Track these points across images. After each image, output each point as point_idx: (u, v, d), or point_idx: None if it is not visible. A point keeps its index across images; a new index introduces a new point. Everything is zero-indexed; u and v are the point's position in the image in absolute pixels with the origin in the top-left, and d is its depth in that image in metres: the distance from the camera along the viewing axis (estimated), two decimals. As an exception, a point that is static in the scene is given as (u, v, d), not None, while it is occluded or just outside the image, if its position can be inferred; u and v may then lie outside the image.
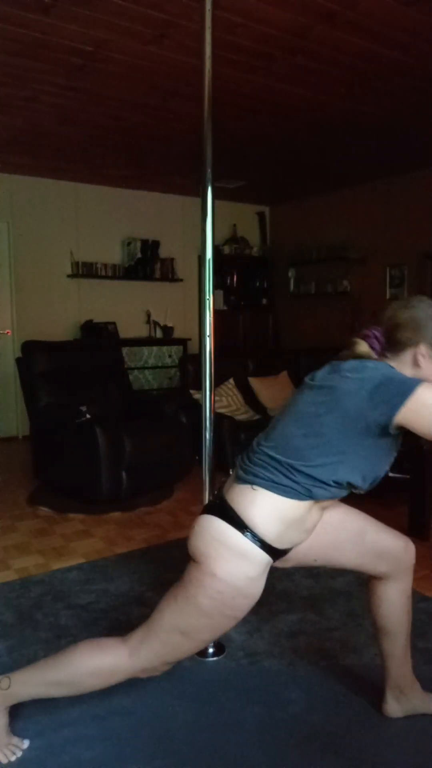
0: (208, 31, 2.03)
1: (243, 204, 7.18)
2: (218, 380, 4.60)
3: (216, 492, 1.57)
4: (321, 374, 1.47)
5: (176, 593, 1.49)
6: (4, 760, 1.61)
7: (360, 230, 6.32)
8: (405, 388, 1.31)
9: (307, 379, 1.50)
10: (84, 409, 3.81)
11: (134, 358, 6.22)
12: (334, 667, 2.03)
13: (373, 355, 1.46)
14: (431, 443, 1.42)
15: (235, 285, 7.13)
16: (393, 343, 1.48)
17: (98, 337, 6.03)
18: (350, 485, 1.44)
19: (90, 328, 6.07)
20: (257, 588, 1.45)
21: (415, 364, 1.45)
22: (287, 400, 1.56)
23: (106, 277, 6.25)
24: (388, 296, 6.13)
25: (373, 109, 4.08)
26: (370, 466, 1.43)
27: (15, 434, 5.99)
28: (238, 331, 7.06)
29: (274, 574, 1.49)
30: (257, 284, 7.27)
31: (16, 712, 1.75)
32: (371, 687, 1.89)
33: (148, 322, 6.66)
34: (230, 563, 1.41)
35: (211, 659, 2.08)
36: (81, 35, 2.97)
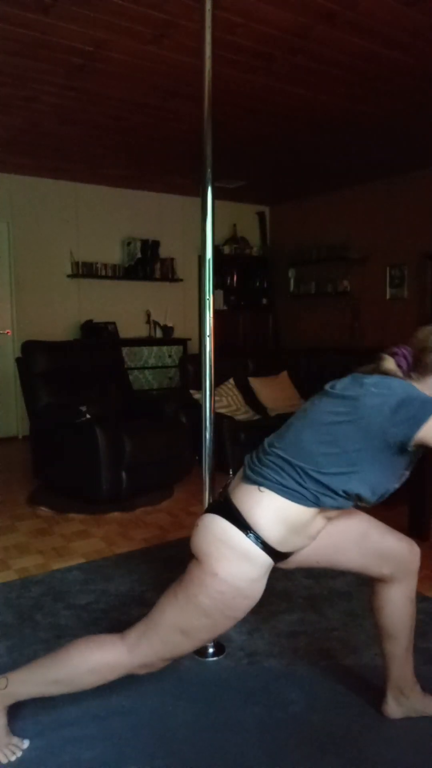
0: (208, 31, 2.03)
1: (243, 204, 7.18)
2: (218, 380, 4.60)
3: (221, 490, 1.56)
4: (342, 384, 1.45)
5: (177, 591, 1.48)
6: (4, 760, 1.61)
7: (360, 230, 6.32)
8: (427, 407, 1.31)
9: (327, 387, 1.48)
10: (84, 409, 3.81)
11: (134, 358, 6.22)
12: (334, 667, 2.03)
13: (399, 373, 1.45)
14: None
15: (235, 285, 7.13)
16: (420, 365, 1.46)
17: (98, 337, 6.03)
18: (358, 497, 1.43)
19: (90, 328, 6.07)
20: (258, 589, 1.45)
21: None
22: (303, 404, 1.54)
23: (106, 277, 6.25)
24: (388, 296, 6.13)
25: (373, 109, 4.08)
26: (381, 481, 1.41)
27: (15, 434, 5.99)
28: (238, 331, 7.06)
29: (274, 573, 1.49)
30: (257, 284, 7.27)
31: (16, 712, 1.75)
32: (371, 687, 1.89)
33: (148, 322, 6.66)
34: (232, 564, 1.41)
35: (211, 659, 2.08)
36: (81, 35, 2.98)
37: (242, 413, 4.77)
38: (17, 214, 5.80)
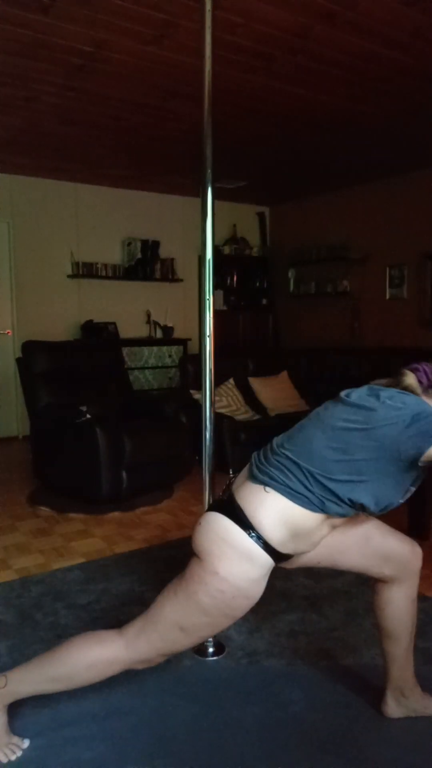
0: (208, 32, 2.03)
1: (243, 204, 7.18)
2: (218, 380, 4.60)
3: (224, 488, 1.56)
4: (358, 394, 1.46)
5: (177, 588, 1.48)
6: (4, 760, 1.61)
7: (360, 230, 6.32)
8: None
9: (342, 395, 1.49)
10: (84, 409, 3.81)
11: (134, 358, 6.23)
12: (334, 667, 2.03)
13: (418, 389, 1.45)
14: None
15: (235, 285, 7.14)
16: None
17: (98, 337, 6.03)
18: (362, 507, 1.42)
19: (90, 328, 6.07)
20: (258, 590, 1.45)
21: None
22: (315, 408, 1.54)
23: (106, 277, 6.25)
24: (387, 296, 6.13)
25: (373, 109, 4.08)
26: (387, 493, 1.41)
27: (15, 434, 6.00)
28: (238, 331, 7.06)
29: (274, 573, 1.48)
30: (257, 284, 7.27)
31: (16, 711, 1.75)
32: (371, 687, 1.89)
33: (148, 322, 6.66)
34: (233, 563, 1.41)
35: (210, 659, 2.08)
36: (81, 35, 2.98)
37: (242, 413, 4.78)
38: (17, 215, 5.81)
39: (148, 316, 6.65)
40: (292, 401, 5.09)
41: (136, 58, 3.24)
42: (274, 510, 1.41)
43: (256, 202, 7.25)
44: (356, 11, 2.79)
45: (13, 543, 3.21)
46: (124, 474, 3.68)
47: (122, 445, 3.67)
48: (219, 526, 1.44)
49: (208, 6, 2.02)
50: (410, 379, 1.47)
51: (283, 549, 1.43)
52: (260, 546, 1.41)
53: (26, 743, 1.67)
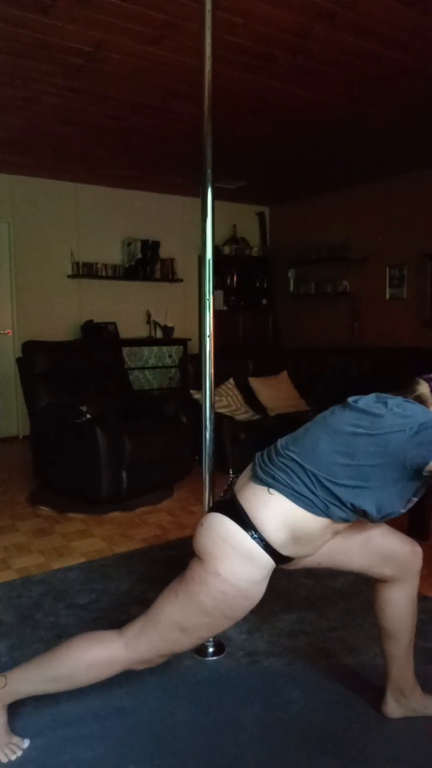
0: (208, 32, 2.03)
1: (243, 204, 7.19)
2: (218, 380, 4.60)
3: (226, 487, 1.55)
4: (366, 400, 1.47)
5: (177, 589, 1.48)
6: (5, 760, 1.61)
7: (360, 230, 6.33)
8: None
9: (349, 400, 1.49)
10: (84, 409, 3.81)
11: (134, 358, 6.23)
12: (334, 667, 2.03)
13: (430, 400, 1.46)
14: None
15: (235, 285, 7.14)
16: None
17: (98, 337, 6.03)
18: (364, 513, 1.42)
19: (90, 329, 6.08)
20: (259, 591, 1.45)
21: None
22: (321, 413, 1.54)
23: (106, 277, 6.26)
24: (387, 296, 6.13)
25: (373, 109, 4.08)
26: (389, 501, 1.40)
27: (15, 434, 6.00)
28: (238, 331, 7.06)
29: (274, 573, 1.48)
30: (257, 284, 7.27)
31: (17, 711, 1.75)
32: (371, 687, 1.89)
33: (148, 322, 6.66)
34: (235, 564, 1.40)
35: (210, 659, 2.08)
36: (81, 36, 2.98)
37: (242, 413, 4.78)
38: (18, 215, 5.81)
39: (148, 316, 6.65)
40: (292, 401, 5.09)
41: (136, 59, 3.24)
42: (277, 512, 1.40)
43: (256, 202, 7.25)
44: (356, 11, 2.79)
45: (14, 543, 3.21)
46: (124, 474, 3.68)
47: (122, 445, 3.67)
48: (221, 527, 1.43)
49: (208, 6, 2.03)
50: (423, 388, 1.48)
51: (284, 551, 1.43)
52: (262, 547, 1.40)
53: (26, 743, 1.67)
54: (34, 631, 2.28)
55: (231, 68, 3.35)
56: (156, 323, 6.67)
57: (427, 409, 1.44)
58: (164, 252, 6.62)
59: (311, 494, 1.39)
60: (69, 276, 6.10)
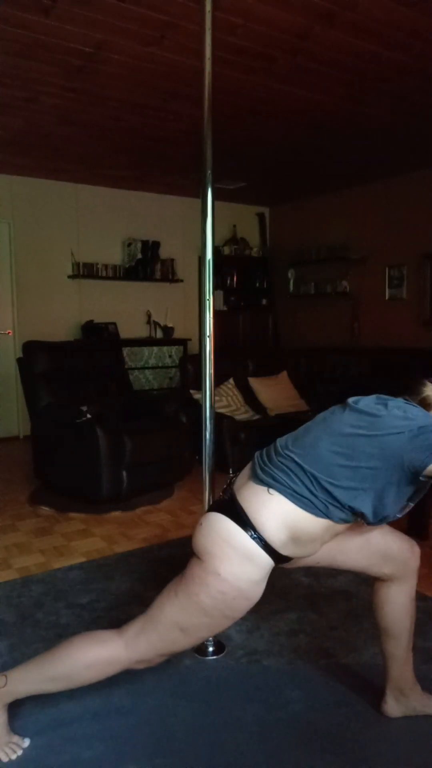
0: (208, 33, 2.04)
1: (243, 205, 7.19)
2: (218, 380, 4.61)
3: (225, 487, 1.55)
4: (366, 401, 1.46)
5: (177, 589, 1.48)
6: (5, 759, 1.61)
7: (359, 230, 6.33)
8: None
9: (349, 401, 1.48)
10: (85, 409, 3.81)
11: (135, 358, 6.23)
12: (334, 666, 2.04)
13: None
14: None
15: (235, 285, 7.14)
16: None
17: (99, 337, 6.04)
18: (362, 515, 1.42)
19: (91, 329, 6.08)
20: (259, 591, 1.45)
21: None
22: (321, 413, 1.54)
23: (106, 277, 6.26)
24: (387, 296, 6.14)
25: (372, 110, 4.09)
26: (387, 504, 1.40)
27: (16, 434, 6.00)
28: (238, 331, 7.07)
29: (273, 572, 1.49)
30: (257, 285, 7.28)
31: (17, 710, 1.76)
32: (371, 686, 1.90)
33: (148, 322, 6.67)
34: (235, 564, 1.41)
35: (210, 658, 2.08)
36: (81, 36, 2.98)
37: (242, 413, 4.78)
38: (18, 215, 5.81)
39: (149, 316, 6.66)
40: (291, 401, 5.09)
41: (136, 59, 3.24)
42: (277, 512, 1.40)
43: (256, 203, 7.26)
44: (356, 12, 2.80)
45: (14, 542, 3.22)
46: (124, 474, 3.69)
47: (122, 445, 3.68)
48: (221, 527, 1.43)
49: (208, 7, 2.03)
50: (430, 390, 1.47)
51: (283, 551, 1.43)
52: (261, 547, 1.40)
53: (26, 742, 1.67)
54: (34, 630, 2.29)
55: (231, 69, 3.36)
56: (156, 323, 6.67)
57: (428, 412, 1.43)
58: (164, 252, 6.62)
59: (311, 495, 1.39)
60: (69, 276, 6.11)
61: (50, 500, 3.88)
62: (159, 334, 6.67)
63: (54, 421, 3.99)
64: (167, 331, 6.67)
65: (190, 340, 6.70)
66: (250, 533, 1.40)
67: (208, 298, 2.10)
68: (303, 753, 1.64)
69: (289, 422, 4.61)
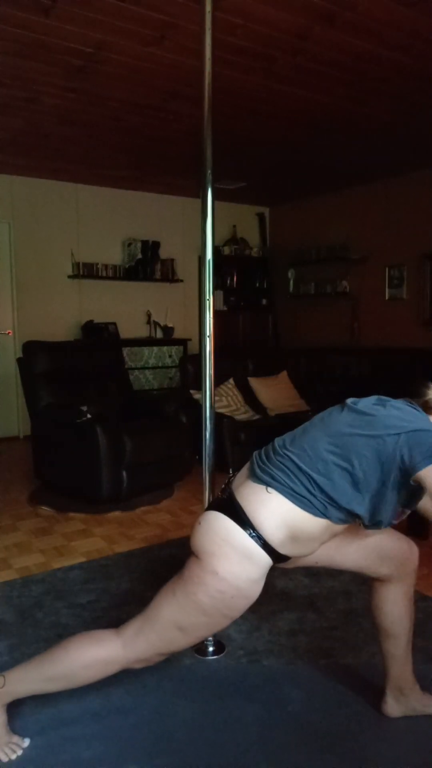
0: (208, 33, 2.04)
1: (243, 205, 7.19)
2: (218, 380, 4.61)
3: (223, 486, 1.55)
4: (366, 402, 1.46)
5: (175, 588, 1.48)
6: (5, 759, 1.62)
7: (359, 231, 6.33)
8: None
9: (348, 402, 1.48)
10: (85, 409, 3.82)
11: (135, 358, 6.23)
12: (334, 666, 2.04)
13: None
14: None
15: (235, 285, 7.14)
16: None
17: (99, 337, 6.04)
18: (358, 517, 1.42)
19: (91, 329, 6.08)
20: (257, 590, 1.45)
21: None
22: (319, 414, 1.54)
23: (106, 277, 6.26)
24: (387, 297, 6.14)
25: (373, 110, 4.09)
26: (379, 507, 1.39)
27: (16, 434, 6.00)
28: (238, 331, 7.07)
29: (273, 572, 1.49)
30: (257, 285, 7.28)
31: (17, 710, 1.76)
32: (371, 686, 1.90)
33: (148, 322, 6.67)
34: (233, 563, 1.41)
35: (210, 658, 2.08)
36: (81, 36, 2.98)
37: (242, 413, 4.78)
38: (18, 215, 5.82)
39: (149, 316, 6.66)
40: (291, 401, 5.10)
41: (136, 59, 3.25)
42: (276, 511, 1.40)
43: (256, 203, 7.26)
44: (356, 12, 2.80)
45: (14, 542, 3.22)
46: (124, 474, 3.69)
47: (122, 444, 3.68)
48: (219, 526, 1.43)
49: (208, 7, 2.03)
50: None
51: (282, 550, 1.43)
52: (260, 546, 1.40)
53: (26, 742, 1.67)
54: (34, 630, 2.29)
55: (231, 69, 3.36)
56: (156, 323, 6.67)
57: (428, 415, 1.42)
58: (164, 252, 6.62)
59: (310, 495, 1.39)
60: (69, 276, 6.11)
61: (50, 500, 3.88)
62: (159, 334, 6.67)
63: (54, 421, 3.99)
64: (167, 331, 6.67)
65: (190, 340, 6.70)
66: (248, 532, 1.40)
67: (208, 298, 2.10)
68: (303, 752, 1.64)
69: (289, 422, 4.60)
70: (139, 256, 6.40)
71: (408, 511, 1.45)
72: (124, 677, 1.82)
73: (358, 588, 2.56)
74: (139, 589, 2.62)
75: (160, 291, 6.69)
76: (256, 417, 4.84)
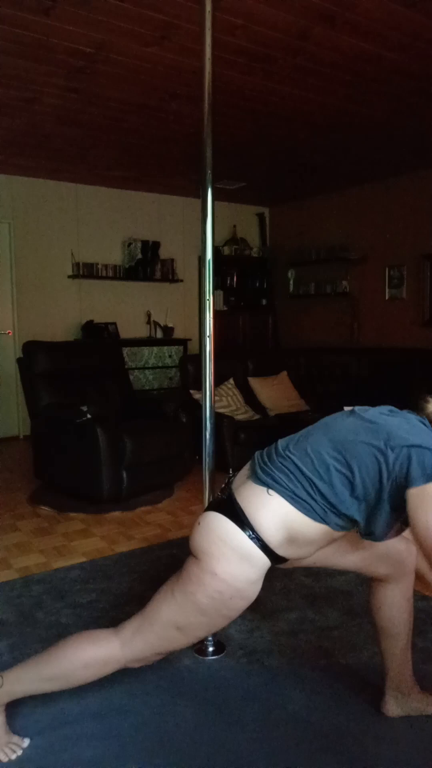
0: (208, 33, 2.04)
1: (243, 205, 7.19)
2: (218, 380, 4.61)
3: (223, 486, 1.55)
4: (375, 411, 1.45)
5: (174, 588, 1.48)
6: (5, 759, 1.61)
7: (359, 231, 6.33)
8: None
9: (357, 409, 1.47)
10: (85, 408, 3.82)
11: (135, 358, 6.24)
12: (334, 666, 2.04)
13: None
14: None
15: (234, 286, 7.15)
16: None
17: (99, 337, 6.04)
18: (357, 524, 1.41)
19: (91, 329, 6.08)
20: (255, 590, 1.45)
21: None
22: (324, 418, 1.52)
23: (106, 277, 6.26)
24: (387, 297, 6.14)
25: (372, 110, 4.09)
26: (373, 518, 1.38)
27: (16, 434, 6.00)
28: (238, 331, 7.07)
29: (273, 572, 1.49)
30: (257, 285, 7.28)
31: (16, 710, 1.76)
32: (371, 686, 1.90)
33: (148, 322, 6.67)
34: (232, 564, 1.40)
35: (210, 658, 2.08)
36: (81, 37, 2.99)
37: (242, 413, 4.78)
38: (18, 215, 5.82)
39: (149, 316, 6.66)
40: (291, 401, 5.10)
41: (136, 60, 3.25)
42: (276, 513, 1.39)
43: (255, 203, 7.26)
44: (355, 13, 2.80)
45: (14, 542, 3.22)
46: (124, 474, 3.69)
47: (123, 444, 3.68)
48: (219, 527, 1.43)
49: (208, 7, 2.03)
50: None
51: (280, 551, 1.43)
52: (259, 547, 1.40)
53: (26, 742, 1.67)
54: (34, 630, 2.29)
55: (231, 69, 3.36)
56: (156, 323, 6.67)
57: (431, 431, 1.40)
58: (164, 252, 6.63)
59: (311, 499, 1.38)
60: (69, 276, 6.11)
61: (50, 500, 3.88)
62: (159, 334, 6.67)
63: (54, 421, 3.99)
64: (167, 331, 6.67)
65: (190, 340, 6.70)
66: (248, 533, 1.40)
67: (208, 298, 2.10)
68: (303, 752, 1.64)
69: (289, 422, 4.62)
70: (139, 256, 6.40)
71: (405, 528, 1.43)
72: (124, 677, 1.82)
73: (358, 588, 2.56)
74: (139, 589, 2.62)
75: (160, 291, 6.69)
76: (256, 417, 4.84)
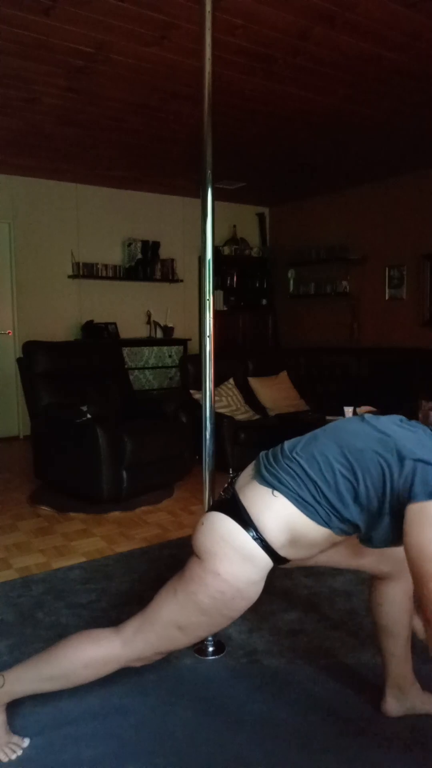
0: (208, 33, 2.04)
1: (243, 205, 7.20)
2: (218, 380, 4.61)
3: (226, 485, 1.54)
4: (385, 420, 1.44)
5: (176, 587, 1.48)
6: (5, 759, 1.61)
7: (359, 231, 6.33)
8: None
9: (367, 416, 1.47)
10: (85, 409, 3.82)
11: (135, 358, 6.24)
12: (334, 666, 2.04)
13: None
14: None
15: (234, 285, 7.15)
16: None
17: (99, 337, 6.04)
18: (358, 529, 1.41)
19: (91, 329, 6.08)
20: (257, 591, 1.45)
21: None
22: (333, 422, 1.52)
23: (106, 277, 6.27)
24: (387, 297, 6.14)
25: (372, 110, 4.09)
26: (373, 527, 1.38)
27: (16, 434, 6.01)
28: (238, 331, 7.07)
29: (273, 572, 1.49)
30: (257, 285, 7.28)
31: (17, 710, 1.76)
32: (371, 686, 1.90)
33: (148, 322, 6.67)
34: (234, 564, 1.40)
35: (210, 658, 2.08)
36: (82, 37, 2.99)
37: (242, 413, 4.78)
38: (18, 215, 5.82)
39: (149, 316, 6.66)
40: (291, 401, 5.10)
41: (136, 60, 3.25)
42: (279, 514, 1.39)
43: (255, 203, 7.26)
44: (356, 13, 2.80)
45: (14, 542, 3.22)
46: (124, 473, 3.69)
47: (123, 444, 3.68)
48: (222, 527, 1.43)
49: (208, 7, 2.03)
50: None
51: (282, 552, 1.43)
52: (261, 547, 1.40)
53: (26, 742, 1.67)
54: (34, 630, 2.29)
55: (231, 69, 3.36)
56: (156, 323, 6.68)
57: None
58: (164, 252, 6.63)
59: (315, 503, 1.38)
60: (69, 276, 6.11)
61: (50, 500, 3.88)
62: (159, 334, 6.67)
63: (54, 421, 4.00)
64: (167, 331, 6.67)
65: (190, 340, 6.70)
66: (251, 533, 1.40)
67: (208, 298, 2.10)
68: (303, 752, 1.64)
69: (289, 422, 4.61)
70: (139, 256, 6.40)
71: (399, 544, 1.39)
72: (124, 677, 1.82)
73: (358, 587, 2.56)
74: (139, 589, 2.62)
75: (160, 291, 6.69)
76: (256, 417, 4.84)
